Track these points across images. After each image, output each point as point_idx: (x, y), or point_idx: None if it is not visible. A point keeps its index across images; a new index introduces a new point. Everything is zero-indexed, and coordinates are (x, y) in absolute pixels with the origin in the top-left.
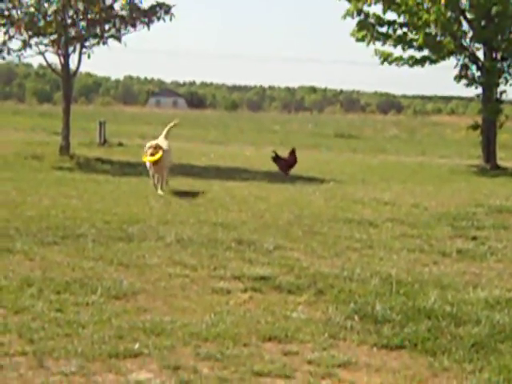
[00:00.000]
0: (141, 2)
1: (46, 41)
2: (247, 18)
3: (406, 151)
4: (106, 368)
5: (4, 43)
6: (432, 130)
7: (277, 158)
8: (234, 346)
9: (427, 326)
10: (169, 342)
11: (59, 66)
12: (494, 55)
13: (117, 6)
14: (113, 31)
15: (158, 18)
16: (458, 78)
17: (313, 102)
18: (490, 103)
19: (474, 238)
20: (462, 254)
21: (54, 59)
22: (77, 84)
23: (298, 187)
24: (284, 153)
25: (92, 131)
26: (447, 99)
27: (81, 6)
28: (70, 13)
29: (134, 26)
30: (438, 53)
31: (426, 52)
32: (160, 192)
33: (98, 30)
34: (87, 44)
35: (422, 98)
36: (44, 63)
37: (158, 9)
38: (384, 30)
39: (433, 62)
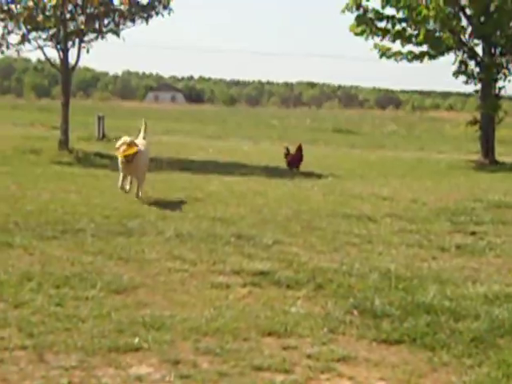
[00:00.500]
0: None
1: (44, 35)
2: (245, 13)
3: (404, 146)
4: (106, 362)
5: (3, 37)
6: (430, 125)
7: (288, 155)
8: (233, 341)
9: (426, 321)
10: (168, 337)
11: (58, 61)
12: (492, 51)
13: (116, 1)
14: (112, 26)
15: (157, 13)
16: (457, 73)
17: (311, 97)
18: (489, 99)
19: (473, 233)
20: (460, 249)
21: (53, 54)
22: (75, 78)
23: (296, 182)
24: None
25: (90, 126)
26: (446, 95)
27: (80, 0)
28: (69, 7)
29: (132, 20)
30: (437, 48)
31: (424, 47)
32: (127, 188)
33: (96, 25)
34: (86, 39)
35: (421, 93)
36: (42, 58)
37: (156, 3)
38: (383, 24)
39: (432, 57)
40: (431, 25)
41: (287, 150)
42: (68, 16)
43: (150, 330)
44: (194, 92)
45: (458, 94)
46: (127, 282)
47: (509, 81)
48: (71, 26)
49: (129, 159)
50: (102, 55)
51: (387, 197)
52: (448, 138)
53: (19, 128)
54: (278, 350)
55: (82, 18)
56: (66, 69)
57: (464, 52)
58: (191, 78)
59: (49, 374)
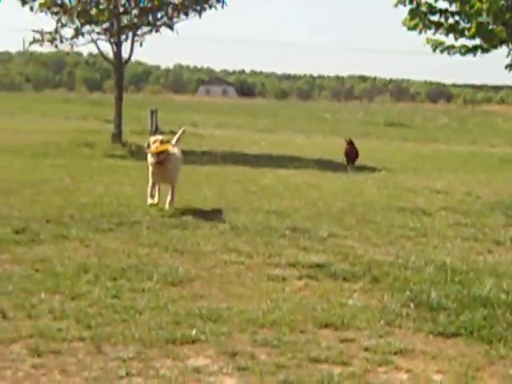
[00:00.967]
0: None
1: (98, 29)
2: (297, 7)
3: (456, 140)
4: (163, 354)
5: (56, 31)
6: (482, 119)
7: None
8: (290, 333)
9: (483, 314)
10: (226, 329)
11: (111, 55)
12: None
13: None
14: (165, 19)
15: (210, 6)
16: (510, 66)
17: (362, 90)
18: None
19: None
20: None
21: (106, 47)
22: (127, 72)
23: (349, 176)
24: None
25: (143, 119)
26: (497, 88)
27: None
28: (123, 1)
29: (186, 13)
30: (490, 42)
31: (477, 41)
32: (166, 206)
33: (150, 18)
34: (139, 32)
35: (472, 87)
36: (94, 52)
37: None
38: (436, 18)
39: (484, 50)
40: (484, 18)
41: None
42: (121, 9)
43: (206, 321)
44: (246, 85)
45: (510, 87)
46: (183, 274)
47: None
48: (125, 20)
49: (160, 159)
50: (154, 49)
51: (441, 190)
52: (500, 132)
53: (72, 121)
54: (336, 342)
55: (135, 12)
56: (120, 62)
57: None
58: (242, 71)
59: (107, 366)
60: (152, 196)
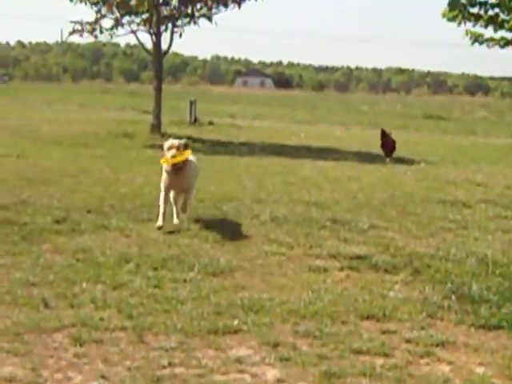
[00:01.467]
0: None
1: (137, 20)
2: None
3: (495, 133)
4: (205, 344)
5: (96, 22)
6: None
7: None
8: (332, 324)
9: None
10: (267, 319)
11: (150, 45)
12: None
13: None
14: (204, 10)
15: None
16: None
17: (400, 83)
18: None
19: None
20: None
21: (145, 38)
22: (164, 64)
23: (389, 168)
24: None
25: (181, 110)
26: None
27: None
28: None
29: (225, 5)
30: None
31: None
32: (176, 221)
33: (189, 10)
34: (179, 23)
35: (510, 80)
36: (131, 43)
37: None
38: (475, 10)
39: None
40: None
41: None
42: (161, 0)
43: (248, 312)
44: (283, 77)
45: None
46: (224, 264)
47: None
48: (164, 11)
49: (178, 168)
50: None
51: (481, 183)
52: None
53: (110, 112)
54: (377, 333)
55: (175, 3)
56: (159, 53)
57: None
58: (280, 63)
59: (149, 355)
60: (163, 213)
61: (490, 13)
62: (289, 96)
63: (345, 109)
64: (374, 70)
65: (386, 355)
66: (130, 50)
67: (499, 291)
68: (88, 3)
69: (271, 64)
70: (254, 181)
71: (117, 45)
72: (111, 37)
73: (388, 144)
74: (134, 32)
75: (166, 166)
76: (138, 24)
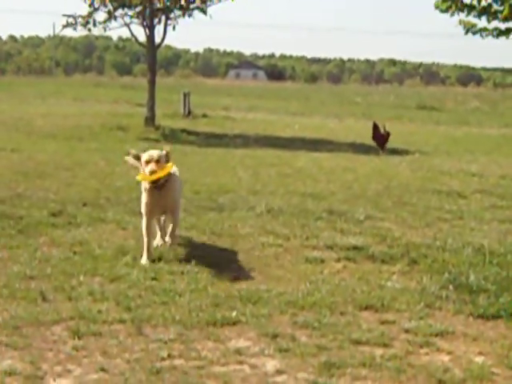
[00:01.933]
0: None
1: (131, 12)
2: None
3: (488, 123)
4: (204, 335)
5: (89, 15)
6: None
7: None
8: (330, 315)
9: None
10: (266, 311)
11: (143, 38)
12: None
13: None
14: (198, 3)
15: None
16: None
17: (392, 74)
18: None
19: None
20: None
21: (138, 31)
22: (157, 56)
23: (383, 158)
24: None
25: (175, 103)
26: None
27: None
28: None
29: None
30: None
31: (511, 23)
32: (157, 242)
33: (183, 2)
34: (172, 16)
35: (502, 70)
36: (124, 36)
37: None
38: (468, 0)
39: None
40: None
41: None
42: None
43: (246, 303)
44: (275, 69)
45: None
46: (221, 256)
47: None
48: (157, 3)
49: (159, 185)
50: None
51: (476, 173)
52: None
53: (104, 105)
54: (376, 324)
55: None
56: (152, 46)
57: None
58: (272, 55)
59: (148, 347)
60: (148, 247)
61: (483, 3)
62: (282, 88)
63: (338, 100)
64: (367, 61)
65: (385, 345)
66: (123, 43)
67: (497, 281)
68: None
69: (263, 56)
70: (249, 172)
71: (109, 38)
72: (104, 30)
73: (379, 136)
74: (127, 25)
75: (144, 184)
76: (132, 17)
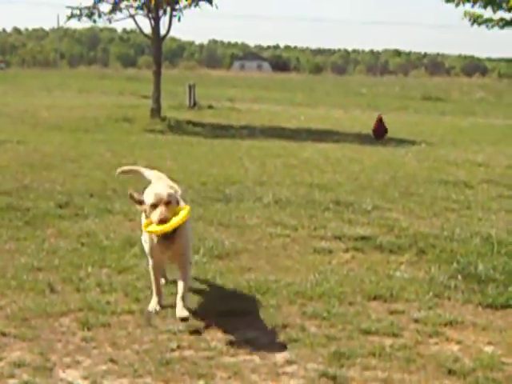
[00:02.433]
0: None
1: (136, 4)
2: None
3: (494, 114)
4: (213, 326)
5: (94, 6)
6: None
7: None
8: (339, 305)
9: None
10: (274, 301)
11: (148, 30)
12: None
13: None
14: None
15: None
16: None
17: (397, 65)
18: None
19: None
20: None
21: (143, 23)
22: (162, 48)
23: (389, 149)
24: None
25: (180, 94)
26: None
27: None
28: None
29: None
30: None
31: None
32: (179, 312)
33: None
34: (177, 7)
35: (507, 60)
36: (128, 28)
37: None
38: None
39: None
40: None
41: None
42: None
43: (255, 294)
44: (280, 60)
45: None
46: (229, 247)
47: None
48: None
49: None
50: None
51: (482, 163)
52: None
53: (109, 97)
54: (385, 314)
55: None
56: (158, 37)
57: None
58: (277, 46)
59: (157, 338)
60: (159, 293)
61: None
62: (286, 79)
63: (343, 91)
64: (372, 52)
65: (394, 335)
66: (127, 35)
67: (505, 270)
68: None
69: (268, 47)
70: (255, 163)
71: (113, 30)
72: (109, 21)
73: (381, 130)
74: (132, 16)
75: (150, 235)
76: (136, 8)
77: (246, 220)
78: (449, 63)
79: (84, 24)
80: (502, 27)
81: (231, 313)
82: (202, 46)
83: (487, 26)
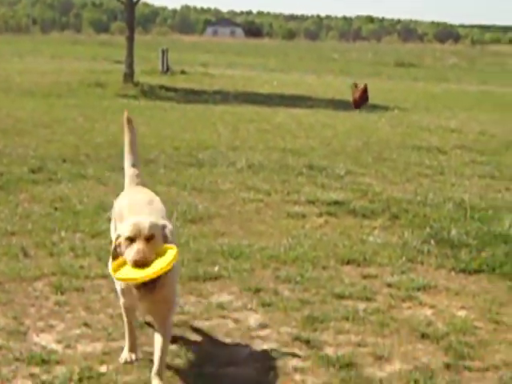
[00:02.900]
0: None
1: None
2: None
3: (467, 80)
4: (186, 290)
5: None
6: (492, 59)
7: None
8: (313, 269)
9: (504, 251)
10: (248, 265)
11: None
12: None
13: None
14: None
15: None
16: None
17: (370, 31)
18: None
19: None
20: None
21: None
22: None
23: (363, 115)
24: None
25: (153, 60)
26: (506, 29)
27: None
28: None
29: None
30: None
31: None
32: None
33: None
34: None
35: (480, 27)
36: None
37: None
38: None
39: None
40: None
41: (355, 85)
42: None
43: (228, 258)
44: (253, 26)
45: None
46: (203, 211)
47: None
48: None
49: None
50: None
51: (455, 129)
52: (511, 72)
53: (82, 62)
54: (358, 278)
55: None
56: (130, 3)
57: None
58: (250, 12)
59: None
60: (132, 342)
61: None
62: (259, 45)
63: (316, 57)
64: (344, 18)
65: (367, 299)
66: (99, 0)
67: (478, 235)
68: None
69: (241, 13)
70: (228, 128)
71: None
72: None
73: (361, 98)
74: None
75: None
76: None
77: (219, 185)
78: (422, 30)
79: None
80: None
81: (204, 277)
82: (174, 12)
83: None
